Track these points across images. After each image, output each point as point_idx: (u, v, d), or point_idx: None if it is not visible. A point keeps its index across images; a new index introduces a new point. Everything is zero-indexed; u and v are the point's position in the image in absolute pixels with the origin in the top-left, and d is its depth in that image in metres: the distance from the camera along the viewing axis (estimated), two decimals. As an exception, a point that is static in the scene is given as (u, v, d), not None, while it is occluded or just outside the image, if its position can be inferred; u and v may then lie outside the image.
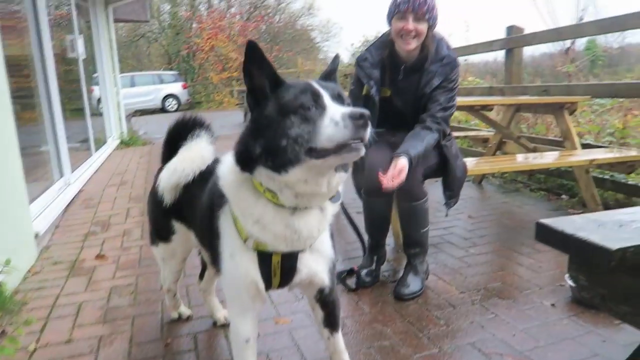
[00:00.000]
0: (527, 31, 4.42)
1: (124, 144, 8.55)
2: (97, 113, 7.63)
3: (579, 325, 1.92)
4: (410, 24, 2.11)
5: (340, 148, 1.05)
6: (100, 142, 7.14)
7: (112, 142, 8.00)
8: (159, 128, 11.97)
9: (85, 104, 5.91)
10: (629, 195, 3.45)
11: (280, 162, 1.09)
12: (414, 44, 2.15)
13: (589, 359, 1.69)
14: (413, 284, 2.28)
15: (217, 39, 19.31)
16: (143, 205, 4.12)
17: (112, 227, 3.54)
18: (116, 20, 11.35)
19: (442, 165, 2.37)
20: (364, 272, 2.37)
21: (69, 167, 4.46)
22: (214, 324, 2.07)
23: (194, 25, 21.93)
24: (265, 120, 1.11)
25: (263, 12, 23.40)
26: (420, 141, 2.13)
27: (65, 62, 5.66)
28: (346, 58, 18.41)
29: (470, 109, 3.42)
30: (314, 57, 24.50)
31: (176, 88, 19.06)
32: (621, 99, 4.12)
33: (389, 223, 2.53)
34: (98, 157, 6.27)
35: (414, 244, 2.36)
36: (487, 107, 3.46)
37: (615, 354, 1.68)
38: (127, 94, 17.09)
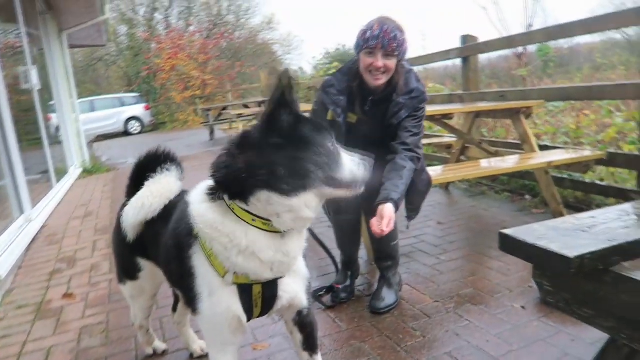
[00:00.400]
0: (481, 39, 4.58)
1: (87, 172, 8.31)
2: (56, 142, 7.39)
3: (549, 326, 1.98)
4: (380, 61, 2.07)
5: (352, 183, 1.22)
6: (61, 172, 6.92)
7: (74, 171, 7.77)
8: (122, 152, 11.71)
9: (43, 133, 5.73)
10: (587, 192, 3.60)
11: (295, 185, 1.12)
12: (383, 79, 2.14)
13: (559, 359, 1.75)
14: (388, 297, 2.30)
15: (178, 58, 19.09)
16: (110, 237, 4.01)
17: (79, 262, 3.43)
18: (72, 46, 11.11)
19: None
20: (339, 289, 2.38)
21: (29, 202, 4.29)
22: (191, 355, 2.02)
23: (153, 45, 21.62)
24: (290, 146, 1.14)
25: (223, 29, 23.32)
26: (400, 179, 2.10)
27: (19, 93, 5.48)
28: (309, 70, 18.56)
29: (431, 118, 3.50)
30: (277, 71, 24.56)
31: (138, 110, 18.73)
32: (573, 101, 4.31)
33: (359, 237, 2.54)
34: (60, 189, 6.07)
35: (386, 258, 2.39)
36: (448, 116, 3.55)
37: (584, 352, 1.74)
38: (87, 119, 16.70)
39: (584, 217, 1.46)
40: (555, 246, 1.22)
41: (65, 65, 8.47)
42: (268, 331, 2.17)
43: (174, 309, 2.01)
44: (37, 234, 4.12)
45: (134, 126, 18.66)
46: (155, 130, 19.63)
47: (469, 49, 4.55)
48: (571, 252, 1.16)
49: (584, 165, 3.26)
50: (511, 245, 1.36)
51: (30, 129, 5.70)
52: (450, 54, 4.86)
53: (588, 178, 3.67)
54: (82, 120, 15.64)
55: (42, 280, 3.12)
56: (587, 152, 3.30)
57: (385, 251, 2.38)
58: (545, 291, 1.42)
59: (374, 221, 1.95)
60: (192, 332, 2.04)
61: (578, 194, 3.73)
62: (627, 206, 1.54)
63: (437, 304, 2.28)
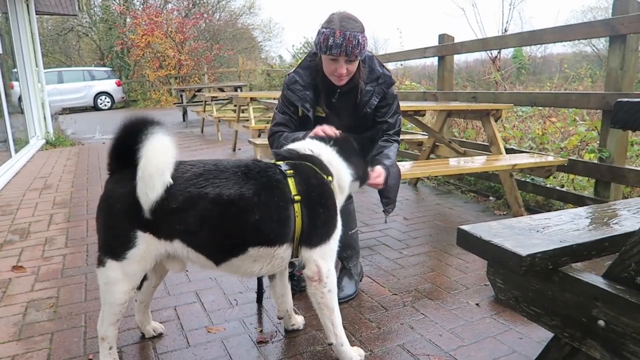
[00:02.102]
0: (457, 40, 4.63)
1: (50, 144, 8.02)
2: (18, 111, 7.07)
3: (500, 323, 2.03)
4: (343, 68, 2.06)
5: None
6: (22, 143, 6.64)
7: (35, 143, 7.47)
8: (89, 127, 11.34)
9: (3, 102, 5.46)
10: (547, 197, 3.71)
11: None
12: (345, 80, 2.15)
13: (507, 356, 1.80)
14: (347, 287, 2.31)
15: (154, 35, 18.57)
16: (69, 211, 3.88)
17: (32, 235, 3.30)
18: (39, 13, 10.62)
19: None
20: (300, 277, 2.37)
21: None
22: (143, 336, 1.98)
23: (128, 20, 20.95)
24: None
25: (202, 10, 22.81)
26: (388, 152, 2.26)
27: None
28: (288, 58, 18.42)
29: (404, 114, 3.51)
30: (255, 57, 24.28)
31: (109, 85, 18.15)
32: (541, 107, 4.42)
33: None
34: (19, 159, 5.82)
35: (346, 247, 2.40)
36: (420, 113, 3.59)
37: (531, 350, 1.79)
38: (54, 90, 16.07)
39: (539, 218, 1.49)
40: (509, 244, 1.25)
41: (31, 31, 8.09)
42: (224, 315, 2.15)
43: (139, 287, 1.90)
44: (-11, 205, 3.94)
45: (104, 101, 18.09)
46: (126, 107, 19.08)
47: (445, 48, 4.60)
48: (523, 251, 1.19)
49: (546, 170, 3.35)
50: (468, 241, 1.38)
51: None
52: (427, 52, 4.90)
53: (549, 183, 3.79)
54: (49, 91, 15.07)
55: (-9, 252, 2.99)
56: (550, 158, 3.39)
57: (344, 240, 2.38)
58: (498, 288, 1.45)
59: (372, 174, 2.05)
60: (150, 313, 1.99)
61: (539, 198, 3.84)
62: (580, 210, 1.59)
63: (395, 297, 2.31)
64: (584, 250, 1.27)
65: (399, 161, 2.68)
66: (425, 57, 5.04)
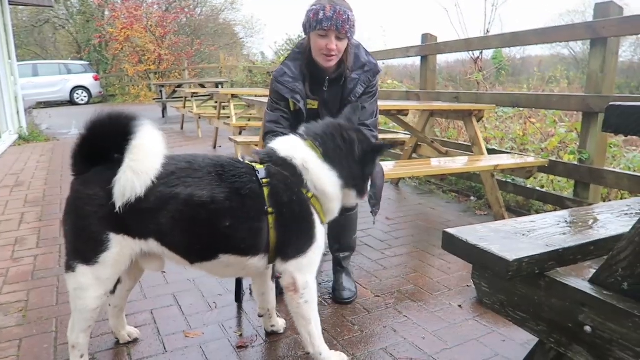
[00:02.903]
0: (440, 40, 4.63)
1: (24, 139, 7.77)
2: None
3: (482, 325, 2.02)
4: (333, 43, 2.02)
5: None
6: (-8, 138, 6.41)
7: (8, 138, 7.23)
8: (65, 122, 11.04)
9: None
10: (528, 197, 3.74)
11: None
12: (335, 60, 2.11)
13: (491, 359, 1.78)
14: (350, 286, 2.31)
15: (133, 29, 18.18)
16: (42, 210, 3.75)
17: (1, 235, 3.17)
18: (13, 3, 10.28)
19: None
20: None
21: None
22: (117, 342, 1.90)
23: (107, 13, 20.47)
24: None
25: (184, 4, 22.44)
26: None
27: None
28: (270, 55, 18.28)
29: (387, 113, 3.50)
30: (237, 53, 23.99)
31: (87, 79, 17.69)
32: (522, 108, 4.46)
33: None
34: (-11, 155, 5.60)
35: (347, 249, 2.42)
36: (403, 112, 3.57)
37: (514, 353, 1.78)
38: (29, 84, 15.62)
39: (524, 221, 1.48)
40: (495, 248, 1.22)
41: (4, 22, 7.82)
42: (203, 318, 2.09)
43: (112, 291, 1.81)
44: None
45: (81, 96, 17.63)
46: (103, 102, 18.65)
47: (429, 48, 4.60)
48: (510, 255, 1.16)
49: (527, 171, 3.37)
50: (453, 245, 1.35)
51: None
52: (410, 51, 4.89)
53: (529, 184, 3.81)
54: (23, 85, 14.62)
55: (-43, 253, 2.85)
56: (531, 159, 3.41)
57: (346, 243, 2.40)
58: (483, 292, 1.43)
59: None
60: (124, 318, 1.91)
61: (519, 198, 3.87)
62: (564, 213, 1.58)
63: (377, 299, 2.28)
64: (570, 255, 1.25)
65: (381, 161, 2.65)
66: (409, 57, 5.03)
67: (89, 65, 18.72)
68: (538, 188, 3.77)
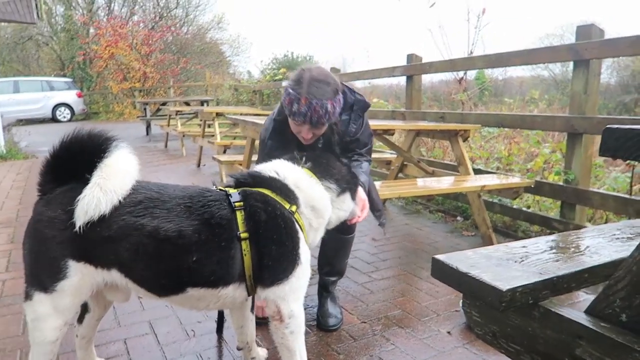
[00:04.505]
0: (425, 60, 4.66)
1: (0, 157, 7.56)
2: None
3: (472, 354, 1.95)
4: (308, 134, 1.88)
5: None
6: (-33, 156, 6.21)
7: (-16, 156, 7.02)
8: (45, 139, 10.80)
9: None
10: (514, 218, 3.71)
11: None
12: (313, 140, 2.00)
13: (482, 390, 1.71)
14: (335, 312, 2.22)
15: (117, 46, 18.10)
16: (14, 231, 3.59)
17: (-30, 258, 3.01)
18: (-5, 19, 10.15)
19: None
20: None
21: None
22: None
23: (92, 31, 20.38)
24: None
25: (170, 23, 22.49)
26: (360, 169, 2.10)
27: None
28: (256, 74, 18.34)
29: (373, 132, 3.45)
30: (223, 71, 24.03)
31: (70, 96, 17.46)
32: (506, 128, 4.47)
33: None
34: (-37, 173, 5.41)
35: (336, 273, 2.32)
36: (389, 132, 3.54)
37: (506, 383, 1.71)
38: (9, 101, 15.36)
39: (516, 247, 1.42)
40: (487, 277, 1.16)
41: (-16, 38, 7.67)
42: (180, 348, 1.98)
43: (80, 320, 1.71)
44: None
45: (63, 113, 17.38)
46: (87, 119, 18.42)
47: (414, 67, 4.61)
48: (503, 285, 1.10)
49: (514, 192, 3.35)
50: (443, 272, 1.29)
51: None
52: (395, 71, 4.90)
53: (516, 204, 3.80)
54: (3, 101, 14.41)
55: None
56: (517, 179, 3.40)
57: (337, 266, 2.31)
58: (474, 321, 1.36)
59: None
60: (94, 349, 1.79)
61: (506, 218, 3.84)
62: (555, 237, 1.53)
63: (364, 325, 2.19)
64: (564, 283, 1.20)
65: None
66: (394, 76, 5.05)
67: (72, 83, 18.51)
68: (524, 208, 3.75)
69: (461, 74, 5.67)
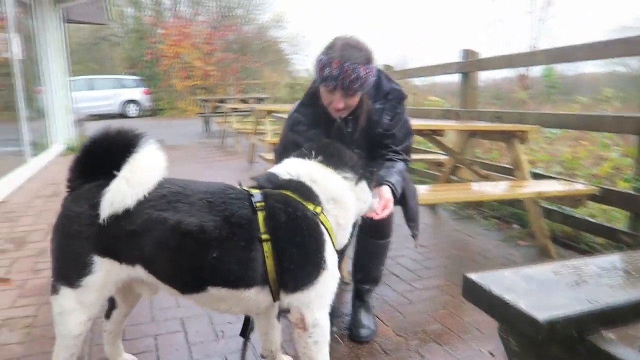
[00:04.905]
0: (481, 56, 4.39)
1: (72, 150, 8.07)
2: (40, 117, 7.14)
3: (516, 379, 1.77)
4: (340, 102, 1.81)
5: None
6: (40, 148, 6.67)
7: (56, 148, 7.53)
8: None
9: (21, 106, 5.48)
10: (577, 228, 3.39)
11: None
12: (345, 113, 1.92)
13: (523, 423, 1.53)
14: (369, 323, 2.11)
15: (181, 45, 18.87)
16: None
17: (28, 245, 3.20)
18: (70, 21, 10.87)
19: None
20: None
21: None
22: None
23: (159, 31, 21.39)
24: None
25: (231, 22, 23.12)
26: (393, 168, 1.97)
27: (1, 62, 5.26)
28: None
29: (420, 132, 3.29)
30: (282, 69, 24.38)
31: (137, 93, 18.52)
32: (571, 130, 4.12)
33: (343, 257, 2.35)
34: (34, 165, 5.82)
35: (371, 281, 2.22)
36: (438, 132, 3.35)
37: (551, 418, 1.52)
38: (84, 97, 16.50)
39: (565, 266, 1.24)
40: (524, 303, 1.01)
41: (60, 39, 8.23)
42: (207, 349, 1.96)
43: (107, 316, 1.73)
44: (-8, 211, 3.89)
45: (132, 109, 18.44)
46: (152, 115, 19.39)
47: (469, 64, 4.36)
48: (541, 314, 0.94)
49: (575, 200, 3.06)
50: (474, 293, 1.14)
51: (7, 102, 5.46)
52: (450, 67, 4.67)
53: (579, 213, 3.47)
54: (79, 98, 15.48)
55: (-18, 262, 2.89)
56: (579, 186, 3.10)
57: (372, 274, 2.20)
58: (511, 351, 1.20)
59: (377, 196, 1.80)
60: (121, 345, 1.81)
61: (567, 228, 3.52)
62: (615, 258, 1.33)
63: (398, 339, 2.06)
64: (620, 315, 1.02)
65: (420, 183, 2.44)
66: (448, 73, 4.81)
67: (140, 80, 19.57)
68: (588, 218, 3.42)
69: (523, 70, 5.31)
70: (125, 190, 1.32)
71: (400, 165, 2.02)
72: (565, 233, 3.52)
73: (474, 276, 1.16)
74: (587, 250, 3.27)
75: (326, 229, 1.43)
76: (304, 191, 1.44)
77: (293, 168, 1.51)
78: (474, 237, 3.58)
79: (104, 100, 17.79)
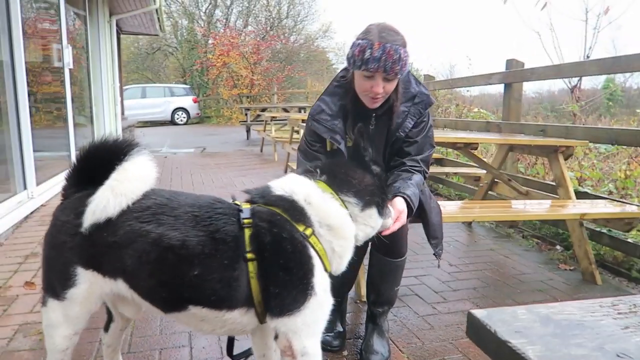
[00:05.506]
0: (527, 66, 4.14)
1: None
2: (86, 123, 7.47)
3: None
4: (380, 86, 1.74)
5: None
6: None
7: (103, 153, 7.82)
8: (161, 140, 11.87)
9: (70, 113, 5.73)
10: (628, 254, 3.08)
11: None
12: (381, 101, 1.84)
13: None
14: (381, 348, 1.97)
15: (229, 55, 19.38)
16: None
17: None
18: (124, 32, 11.39)
19: (416, 211, 2.06)
20: (330, 335, 2.04)
21: (33, 179, 4.23)
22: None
23: (210, 41, 22.12)
24: None
25: (280, 32, 23.54)
26: (410, 180, 1.84)
27: (52, 71, 5.53)
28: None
29: (453, 145, 3.11)
30: (328, 78, 24.49)
31: (186, 101, 19.14)
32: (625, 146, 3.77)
33: (356, 276, 2.23)
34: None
35: (384, 303, 2.07)
36: (472, 145, 3.15)
37: None
38: (137, 105, 17.26)
39: (592, 307, 1.06)
40: (533, 351, 0.84)
41: (112, 49, 8.61)
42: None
43: (106, 329, 1.69)
44: (32, 212, 4.04)
45: (180, 117, 19.08)
46: (199, 123, 19.98)
47: (513, 74, 4.12)
48: (550, 368, 0.80)
49: (626, 223, 2.77)
50: (478, 334, 0.99)
51: (58, 109, 5.73)
52: (492, 78, 4.44)
53: (631, 238, 3.15)
54: (132, 105, 16.24)
55: (14, 262, 2.98)
56: (632, 208, 2.81)
57: (385, 295, 2.05)
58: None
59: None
60: (121, 358, 1.77)
61: (617, 253, 3.21)
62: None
63: (413, 368, 1.91)
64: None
65: (458, 197, 2.29)
66: (490, 84, 4.57)
67: (189, 89, 20.26)
68: (642, 243, 3.09)
69: (575, 81, 4.98)
70: (108, 199, 1.27)
71: (417, 178, 1.88)
72: (615, 258, 3.21)
73: (479, 313, 1.01)
74: (639, 278, 2.95)
75: (317, 252, 1.32)
76: (295, 211, 1.34)
77: (289, 185, 1.41)
78: (511, 258, 3.34)
79: (156, 107, 18.51)
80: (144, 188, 1.34)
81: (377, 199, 1.47)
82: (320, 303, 1.31)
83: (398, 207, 1.70)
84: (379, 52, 1.67)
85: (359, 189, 1.44)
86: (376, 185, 1.49)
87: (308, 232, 1.31)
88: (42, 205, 4.29)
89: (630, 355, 0.84)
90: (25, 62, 4.12)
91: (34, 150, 4.26)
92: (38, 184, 4.35)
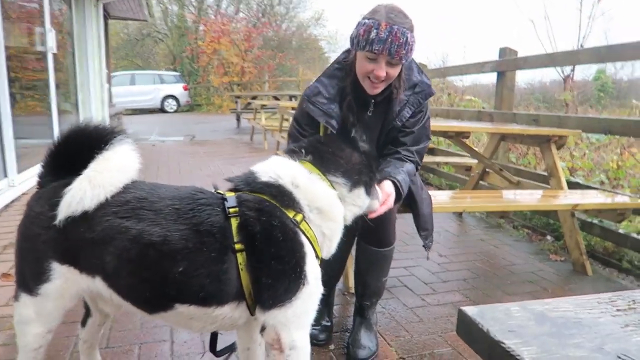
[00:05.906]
0: (519, 54, 4.07)
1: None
2: (71, 110, 7.30)
3: None
4: (383, 70, 1.66)
5: None
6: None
7: (89, 141, 7.66)
8: (149, 128, 11.69)
9: (53, 99, 5.58)
10: (619, 245, 3.06)
11: None
12: (381, 88, 1.75)
13: None
14: (368, 342, 1.91)
15: (220, 42, 19.10)
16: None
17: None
18: (112, 17, 11.13)
19: (406, 201, 2.00)
20: (317, 328, 1.98)
21: (14, 167, 4.11)
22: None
23: (201, 28, 21.78)
24: None
25: (271, 19, 23.23)
26: (401, 167, 1.78)
27: (35, 56, 5.36)
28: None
29: (444, 134, 3.05)
30: (320, 67, 24.28)
31: (176, 89, 18.87)
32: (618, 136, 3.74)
33: (343, 269, 2.16)
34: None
35: (371, 295, 2.01)
36: (463, 134, 3.09)
37: None
38: (126, 92, 16.96)
39: (589, 303, 1.01)
40: (528, 353, 0.79)
41: (98, 34, 8.40)
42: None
43: (83, 324, 1.61)
44: (12, 201, 3.92)
45: (170, 104, 18.82)
46: (190, 110, 19.73)
47: (506, 63, 4.06)
48: (546, 371, 0.74)
49: (618, 213, 2.74)
50: (469, 333, 0.93)
51: (41, 95, 5.56)
52: (485, 66, 4.37)
53: (622, 228, 3.12)
54: (121, 92, 15.94)
55: (-8, 254, 2.88)
56: (623, 198, 2.77)
57: (372, 287, 1.99)
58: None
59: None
60: (99, 355, 1.69)
61: (608, 244, 3.19)
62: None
63: (401, 362, 1.86)
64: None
65: (449, 188, 2.23)
66: (483, 72, 4.50)
67: (180, 76, 19.96)
68: (634, 235, 3.07)
69: (568, 71, 4.93)
70: (85, 191, 1.18)
71: (410, 166, 1.82)
72: (606, 249, 3.19)
73: (470, 310, 0.94)
74: (629, 269, 2.93)
75: (308, 239, 1.26)
76: (283, 197, 1.27)
77: (275, 169, 1.33)
78: (501, 249, 3.30)
79: (145, 95, 18.23)
80: (125, 180, 1.25)
81: (365, 177, 1.41)
82: (311, 293, 1.25)
83: (386, 190, 1.64)
84: (385, 33, 1.59)
85: (346, 168, 1.38)
86: (364, 164, 1.42)
87: (299, 218, 1.25)
88: (23, 194, 4.17)
89: (631, 356, 0.79)
90: (5, 46, 3.97)
91: (16, 138, 4.13)
92: (20, 171, 4.23)
